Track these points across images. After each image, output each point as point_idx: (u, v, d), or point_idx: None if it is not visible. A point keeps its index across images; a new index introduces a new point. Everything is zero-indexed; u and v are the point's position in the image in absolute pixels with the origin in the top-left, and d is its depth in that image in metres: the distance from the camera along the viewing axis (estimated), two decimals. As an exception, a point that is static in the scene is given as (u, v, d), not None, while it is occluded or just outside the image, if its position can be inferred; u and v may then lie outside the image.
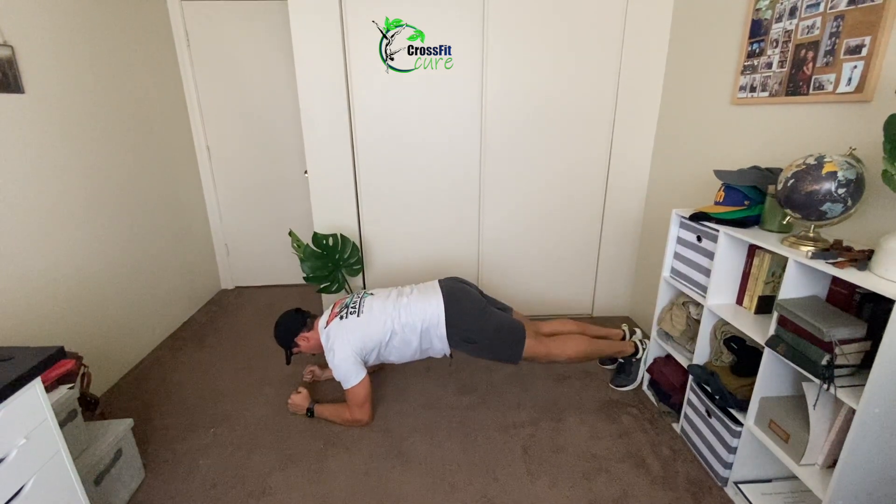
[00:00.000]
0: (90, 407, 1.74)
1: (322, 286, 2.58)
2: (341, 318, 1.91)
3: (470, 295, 1.97)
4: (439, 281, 2.05)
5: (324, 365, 2.26)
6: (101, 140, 2.24)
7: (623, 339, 2.23)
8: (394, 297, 1.95)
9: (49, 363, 1.12)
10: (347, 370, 1.83)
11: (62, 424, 1.34)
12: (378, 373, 2.31)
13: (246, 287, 3.47)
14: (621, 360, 2.20)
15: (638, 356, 2.16)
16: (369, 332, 1.86)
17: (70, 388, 1.44)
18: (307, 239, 2.61)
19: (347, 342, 1.84)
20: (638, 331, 2.27)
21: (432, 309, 1.89)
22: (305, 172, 2.65)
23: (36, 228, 1.86)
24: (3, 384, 0.99)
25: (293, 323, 2.01)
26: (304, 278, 2.55)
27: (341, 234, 2.58)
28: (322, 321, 1.98)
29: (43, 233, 1.89)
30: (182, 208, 2.94)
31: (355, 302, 1.97)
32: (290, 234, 2.57)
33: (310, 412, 1.97)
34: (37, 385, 1.10)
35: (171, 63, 2.86)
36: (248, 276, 3.47)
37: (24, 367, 1.06)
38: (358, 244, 2.70)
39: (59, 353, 1.16)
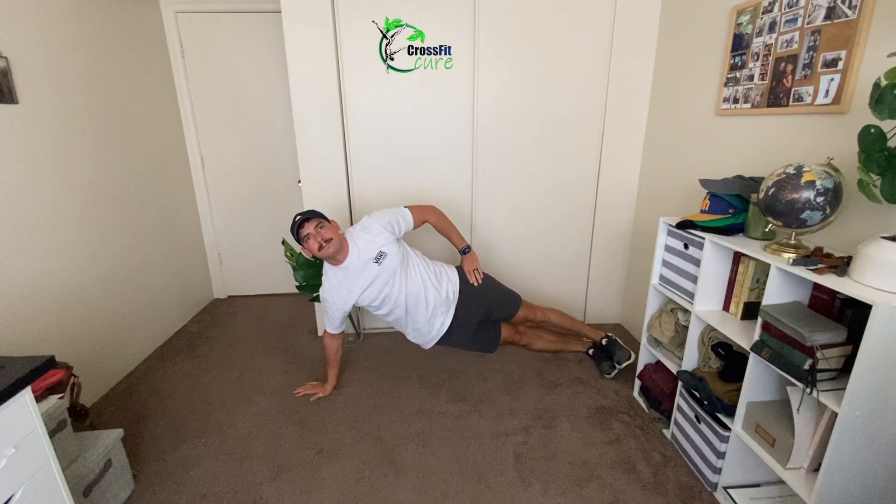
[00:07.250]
0: (80, 417, 1.73)
1: (315, 295, 2.57)
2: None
3: None
4: None
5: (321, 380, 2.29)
6: (95, 150, 2.24)
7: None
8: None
9: (39, 372, 1.12)
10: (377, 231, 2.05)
11: (52, 434, 1.33)
12: (371, 381, 2.31)
13: (238, 296, 3.46)
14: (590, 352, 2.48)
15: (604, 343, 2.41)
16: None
17: (60, 398, 1.44)
18: (300, 248, 2.61)
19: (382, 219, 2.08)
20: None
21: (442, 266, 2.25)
22: (299, 182, 2.67)
23: (28, 237, 1.86)
24: (-8, 393, 0.99)
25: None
26: (296, 287, 2.55)
27: (334, 243, 2.59)
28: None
29: (35, 242, 1.89)
30: (175, 218, 2.95)
31: None
32: (283, 243, 2.57)
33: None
34: (27, 394, 1.10)
35: (165, 73, 2.88)
36: (240, 286, 3.46)
37: (13, 376, 1.06)
38: (351, 253, 2.70)
39: (50, 363, 1.15)
